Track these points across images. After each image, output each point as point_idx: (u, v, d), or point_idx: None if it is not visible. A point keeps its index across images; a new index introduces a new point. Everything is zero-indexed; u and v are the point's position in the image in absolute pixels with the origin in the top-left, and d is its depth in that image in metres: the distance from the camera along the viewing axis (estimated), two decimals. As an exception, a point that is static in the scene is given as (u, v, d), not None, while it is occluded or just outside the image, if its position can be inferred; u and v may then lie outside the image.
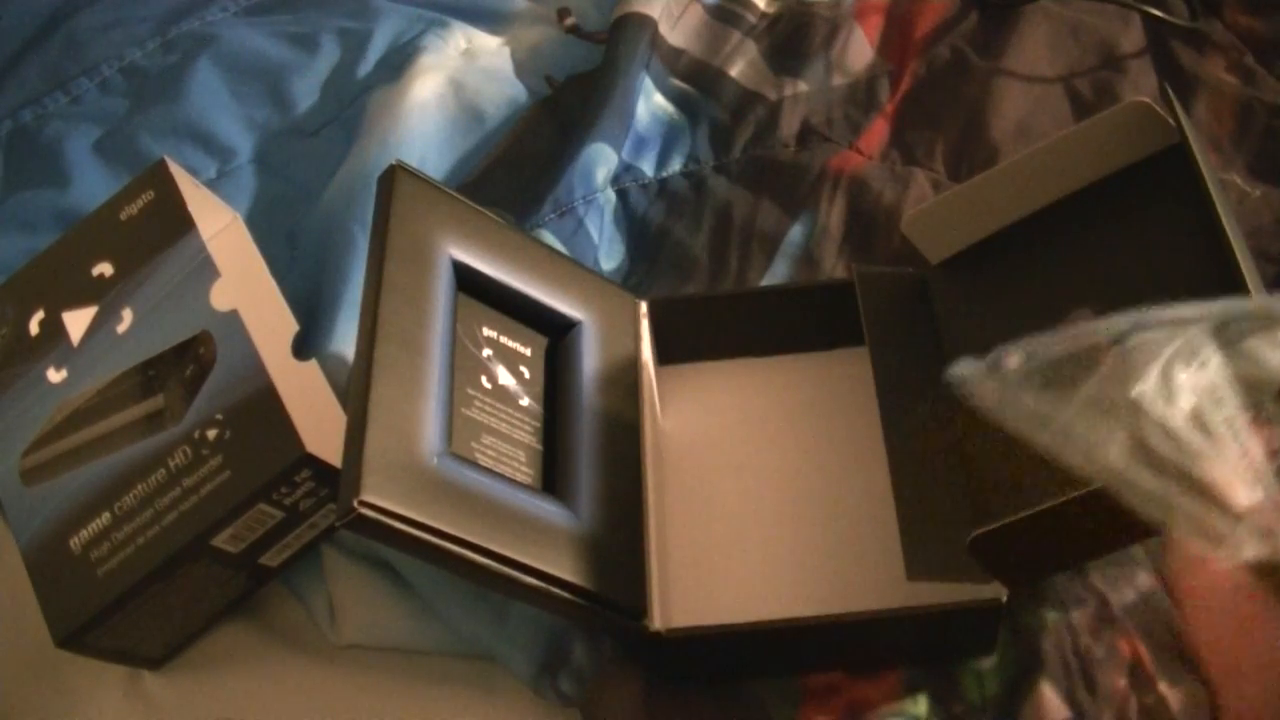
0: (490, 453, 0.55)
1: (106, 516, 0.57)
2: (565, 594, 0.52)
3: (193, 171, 0.73)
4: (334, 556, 0.61)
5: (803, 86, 0.79)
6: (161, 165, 0.66)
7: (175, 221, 0.64)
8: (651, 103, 0.79)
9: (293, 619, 0.62)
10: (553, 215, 0.71)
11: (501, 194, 0.74)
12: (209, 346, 0.59)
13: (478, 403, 0.56)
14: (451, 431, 0.53)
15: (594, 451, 0.57)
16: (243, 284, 0.62)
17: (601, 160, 0.74)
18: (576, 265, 0.64)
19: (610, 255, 0.72)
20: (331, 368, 0.65)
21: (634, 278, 0.71)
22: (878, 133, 0.77)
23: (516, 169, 0.76)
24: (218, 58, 0.83)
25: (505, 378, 0.58)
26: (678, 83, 0.81)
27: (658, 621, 0.54)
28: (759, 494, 0.61)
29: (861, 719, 0.54)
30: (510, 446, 0.56)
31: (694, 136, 0.78)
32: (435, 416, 0.52)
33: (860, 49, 0.81)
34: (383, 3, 0.87)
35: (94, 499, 0.57)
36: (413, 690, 0.59)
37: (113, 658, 0.59)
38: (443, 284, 0.56)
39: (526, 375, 0.59)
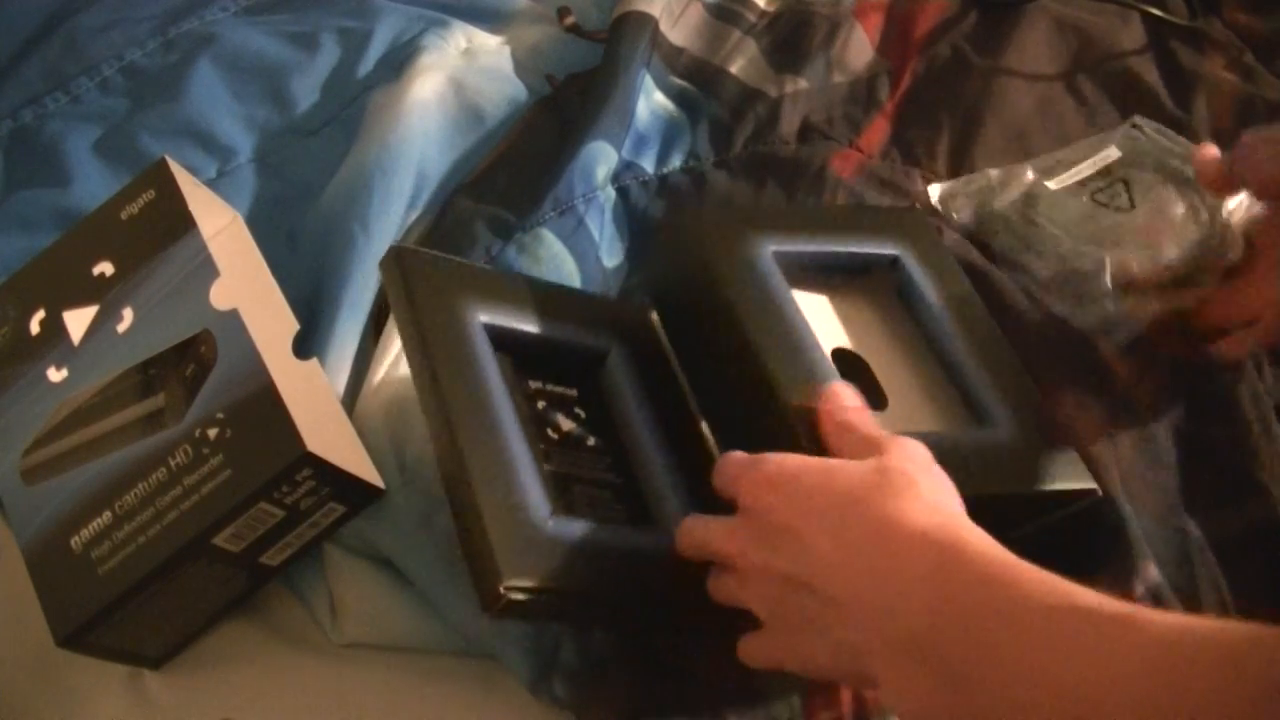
0: (584, 501, 0.56)
1: (107, 515, 0.57)
2: (695, 620, 0.54)
3: (193, 171, 0.73)
4: (335, 555, 0.61)
5: (803, 84, 0.79)
6: (162, 165, 0.66)
7: (176, 221, 0.64)
8: (652, 100, 0.79)
9: (293, 618, 0.62)
10: (553, 213, 0.71)
11: (502, 193, 0.74)
12: (209, 346, 0.59)
13: (553, 456, 0.57)
14: (549, 492, 0.54)
15: (671, 470, 0.58)
16: (243, 283, 0.62)
17: (602, 158, 0.74)
18: (589, 295, 0.65)
19: (611, 253, 0.72)
20: (331, 368, 0.65)
21: (635, 275, 0.71)
22: (878, 131, 0.77)
23: (517, 168, 0.76)
24: (218, 57, 0.83)
25: (566, 424, 0.59)
26: (678, 80, 0.81)
27: None
28: None
29: (868, 714, 0.54)
30: (596, 489, 0.57)
31: (694, 134, 0.78)
32: (532, 481, 0.53)
33: (860, 47, 0.81)
34: (383, 2, 0.87)
35: (95, 498, 0.57)
36: (414, 689, 0.59)
37: (113, 657, 0.59)
38: (484, 350, 0.58)
39: (582, 415, 0.60)
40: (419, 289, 0.58)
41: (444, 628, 0.59)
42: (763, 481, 0.49)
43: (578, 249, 0.70)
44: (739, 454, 0.51)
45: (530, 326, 0.61)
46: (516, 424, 0.55)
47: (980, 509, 0.47)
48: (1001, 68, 0.79)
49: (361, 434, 0.62)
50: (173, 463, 0.57)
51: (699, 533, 0.51)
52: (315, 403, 0.61)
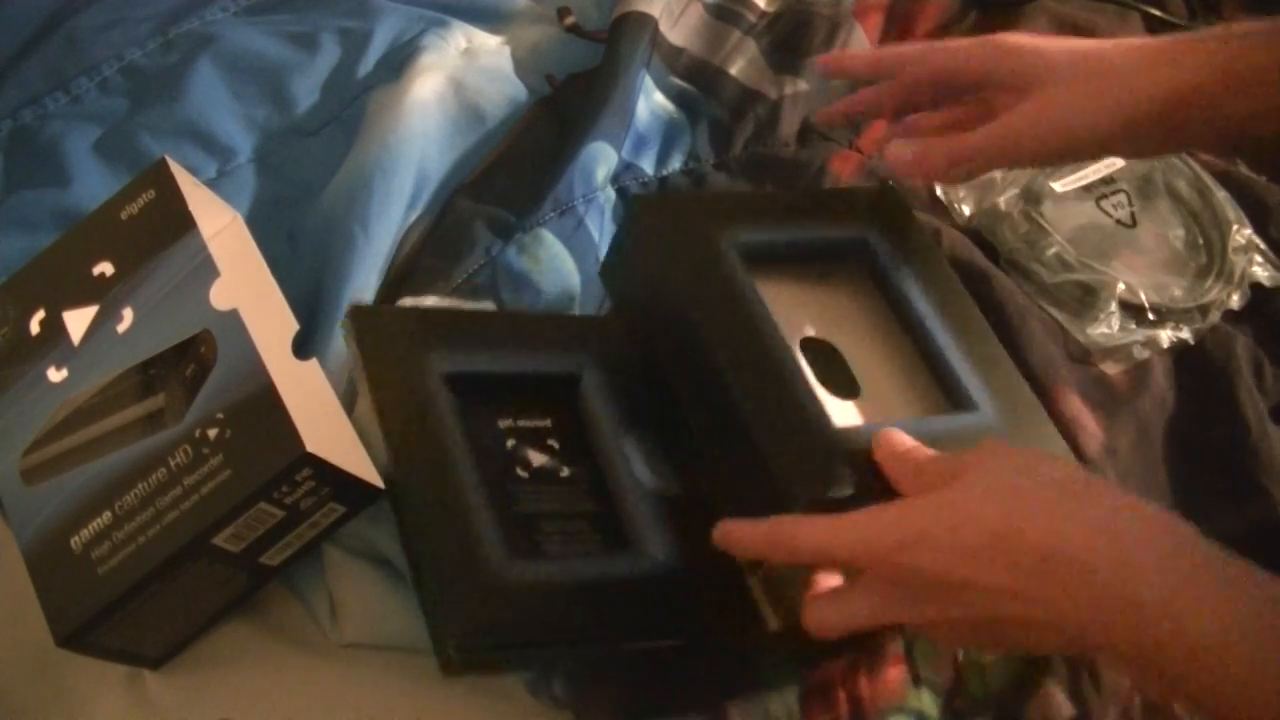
0: (556, 537, 0.56)
1: (107, 515, 0.57)
2: (682, 640, 0.53)
3: (193, 171, 0.73)
4: (335, 555, 0.61)
5: (803, 85, 0.79)
6: (162, 165, 0.66)
7: (176, 221, 0.64)
8: (652, 101, 0.79)
9: (293, 618, 0.62)
10: (553, 214, 0.71)
11: (502, 193, 0.74)
12: (209, 346, 0.59)
13: (523, 495, 0.57)
14: (511, 536, 0.54)
15: (642, 491, 0.58)
16: (243, 283, 0.62)
17: (602, 159, 0.74)
18: (558, 317, 0.65)
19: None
20: (331, 368, 0.65)
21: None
22: (877, 132, 0.77)
23: (517, 168, 0.76)
24: (218, 58, 0.83)
25: (537, 459, 0.59)
26: (678, 81, 0.81)
27: (772, 623, 0.55)
28: None
29: (866, 714, 0.54)
30: (569, 521, 0.57)
31: (694, 135, 0.78)
32: (491, 533, 0.53)
33: (861, 47, 0.81)
34: (383, 2, 0.87)
35: (95, 498, 0.57)
36: (414, 689, 0.59)
37: (113, 657, 0.59)
38: (442, 405, 0.57)
39: (556, 446, 0.60)
40: (373, 349, 0.58)
41: (444, 628, 0.59)
42: (892, 546, 0.45)
43: (577, 249, 0.70)
44: (820, 522, 0.47)
45: (495, 365, 0.60)
46: (475, 473, 0.55)
47: None
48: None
49: (361, 434, 0.62)
50: (173, 463, 0.57)
51: (835, 615, 0.48)
52: (315, 403, 0.61)
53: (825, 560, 0.49)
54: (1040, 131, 0.54)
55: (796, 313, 0.61)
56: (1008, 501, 0.43)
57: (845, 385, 0.58)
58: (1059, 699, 0.54)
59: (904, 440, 0.51)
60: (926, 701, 0.54)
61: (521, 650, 0.51)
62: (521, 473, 0.58)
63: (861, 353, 0.60)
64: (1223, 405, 0.64)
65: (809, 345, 0.60)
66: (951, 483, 0.46)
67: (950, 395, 0.58)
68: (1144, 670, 0.41)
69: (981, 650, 0.52)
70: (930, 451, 0.50)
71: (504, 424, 0.59)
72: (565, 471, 0.59)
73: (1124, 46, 0.53)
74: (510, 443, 0.59)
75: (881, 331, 0.62)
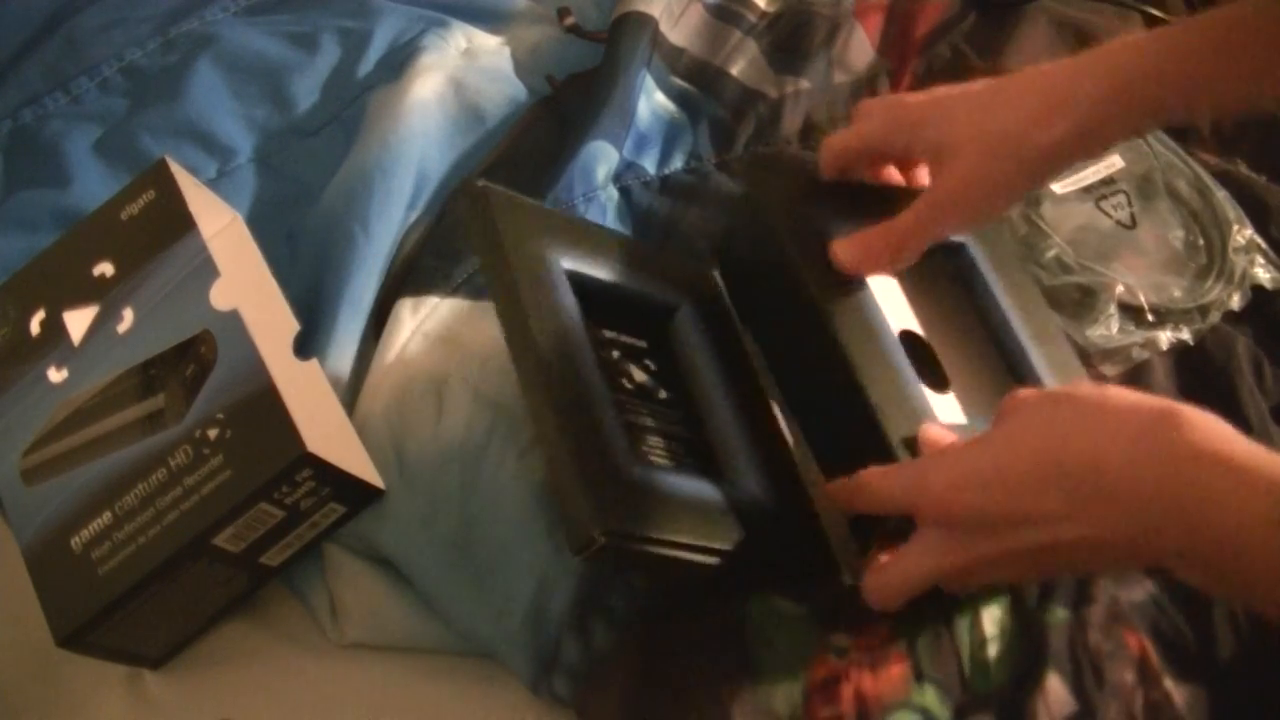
0: (657, 452, 0.56)
1: (107, 516, 0.57)
2: (769, 571, 0.54)
3: (193, 171, 0.73)
4: (336, 555, 0.61)
5: (804, 84, 0.79)
6: (162, 165, 0.66)
7: (176, 221, 0.64)
8: (653, 101, 0.79)
9: (293, 618, 0.62)
10: (553, 214, 0.71)
11: (502, 193, 0.74)
12: (210, 346, 0.59)
13: (626, 405, 0.57)
14: (629, 441, 0.54)
15: (738, 427, 0.58)
16: (243, 283, 0.62)
17: (602, 158, 0.74)
18: (658, 250, 0.65)
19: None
20: (331, 368, 0.65)
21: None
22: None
23: (517, 168, 0.76)
24: (218, 58, 0.83)
25: (638, 375, 0.59)
26: (679, 81, 0.81)
27: (848, 577, 0.56)
28: None
29: (869, 710, 0.54)
30: (668, 441, 0.57)
31: (696, 134, 0.78)
32: (617, 431, 0.53)
33: (861, 47, 0.82)
34: (383, 2, 0.87)
35: (95, 498, 0.57)
36: (414, 689, 0.59)
37: (113, 657, 0.59)
38: (568, 297, 0.57)
39: (652, 367, 0.60)
40: (506, 229, 0.57)
41: (443, 628, 0.59)
42: (946, 495, 0.48)
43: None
44: (879, 471, 0.51)
45: (606, 275, 0.60)
46: (597, 371, 0.55)
47: None
48: (1002, 69, 0.79)
49: (361, 434, 0.62)
50: (173, 463, 0.57)
51: (896, 574, 0.51)
52: (315, 403, 0.61)
53: (890, 506, 0.51)
54: (958, 204, 0.57)
55: (899, 306, 0.63)
56: (1044, 431, 0.46)
57: (936, 380, 0.60)
58: (1061, 695, 0.54)
59: (945, 435, 0.53)
60: (930, 697, 0.54)
61: (649, 546, 0.51)
62: (627, 384, 0.58)
63: (950, 349, 0.61)
64: (1224, 406, 0.64)
65: (905, 338, 0.61)
66: (992, 431, 0.49)
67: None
68: (1204, 569, 0.43)
69: (1037, 579, 0.53)
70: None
71: (608, 334, 0.59)
72: (662, 394, 0.59)
73: (1019, 92, 0.56)
74: (615, 353, 0.59)
75: (968, 328, 0.63)
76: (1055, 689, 0.54)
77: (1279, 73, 0.52)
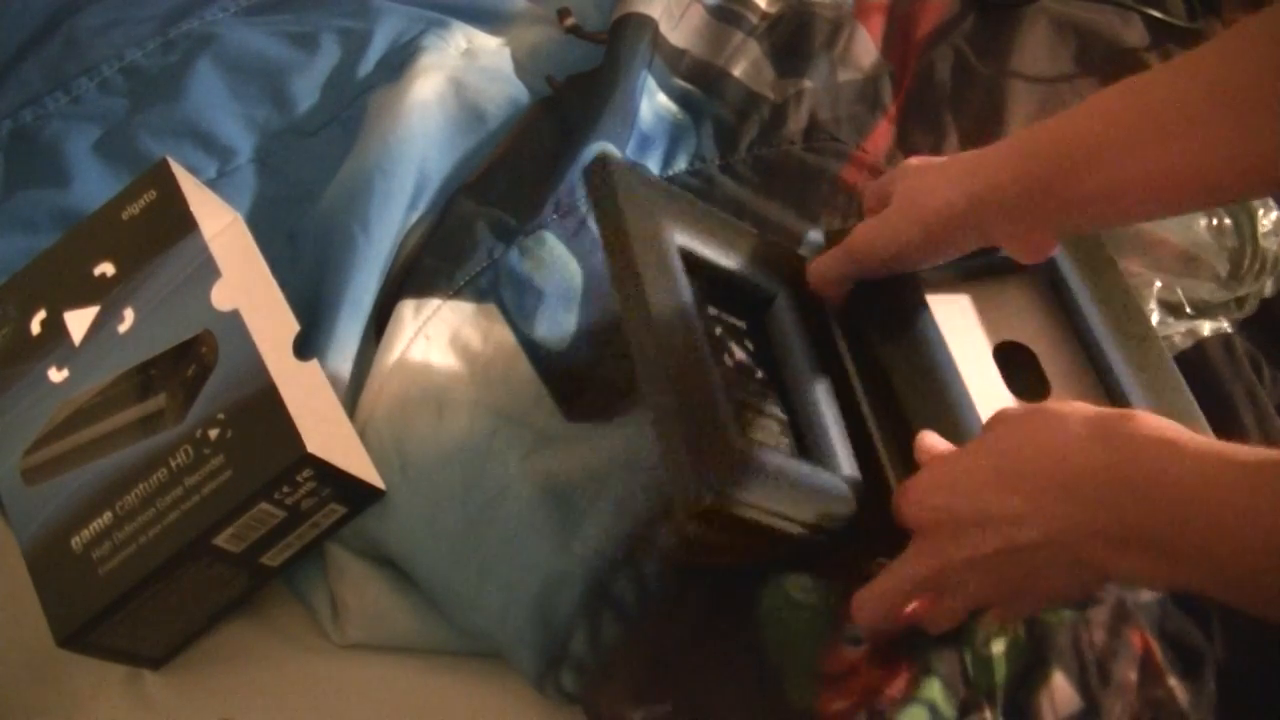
0: (756, 429, 0.57)
1: (108, 516, 0.57)
2: (850, 552, 0.55)
3: (193, 171, 0.73)
4: (337, 555, 0.61)
5: (807, 84, 0.79)
6: (163, 165, 0.66)
7: (177, 221, 0.64)
8: (655, 102, 0.79)
9: (294, 618, 0.62)
10: (555, 215, 0.71)
11: (503, 194, 0.74)
12: (210, 346, 0.59)
13: (732, 381, 0.58)
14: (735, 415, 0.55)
15: (831, 415, 0.60)
16: (244, 284, 0.62)
17: (603, 159, 0.74)
18: (760, 236, 0.66)
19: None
20: (331, 368, 0.65)
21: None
22: (882, 134, 0.77)
23: (518, 169, 0.76)
24: (218, 58, 0.83)
25: (739, 353, 0.60)
26: (681, 82, 0.81)
27: None
28: None
29: (878, 705, 0.54)
30: (766, 420, 0.58)
31: (699, 135, 0.78)
32: (724, 402, 0.54)
33: (865, 46, 0.82)
34: (383, 3, 0.87)
35: (95, 498, 0.57)
36: (415, 689, 0.59)
37: (113, 657, 0.59)
38: (680, 271, 0.59)
39: (751, 348, 0.61)
40: (627, 202, 0.59)
41: (446, 628, 0.59)
42: (919, 499, 0.51)
43: (580, 250, 0.70)
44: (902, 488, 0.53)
45: (714, 255, 0.62)
46: (707, 344, 0.57)
47: None
48: (1004, 69, 0.79)
49: (361, 434, 0.62)
50: (173, 463, 0.57)
51: (883, 591, 0.53)
52: (315, 403, 0.61)
53: (901, 515, 0.53)
54: (863, 245, 0.60)
55: (991, 317, 0.64)
56: (1011, 439, 0.48)
57: (1036, 387, 0.62)
58: (1066, 692, 0.54)
59: (938, 444, 0.55)
60: (937, 693, 0.54)
61: (757, 513, 0.52)
62: (729, 362, 0.59)
63: (1052, 356, 0.63)
64: (1222, 407, 0.64)
65: (1005, 348, 0.63)
66: (971, 442, 0.51)
67: (1116, 404, 0.60)
68: (1160, 555, 0.44)
69: (1013, 614, 0.54)
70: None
71: (713, 311, 0.61)
72: (760, 374, 0.61)
73: (957, 164, 0.58)
74: (718, 330, 0.60)
75: (1068, 337, 0.64)
76: (1060, 686, 0.54)
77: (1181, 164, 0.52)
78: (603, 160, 0.60)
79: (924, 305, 0.63)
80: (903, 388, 0.60)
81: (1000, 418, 0.51)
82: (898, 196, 0.60)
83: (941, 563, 0.50)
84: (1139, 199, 0.53)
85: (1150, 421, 0.45)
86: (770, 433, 0.58)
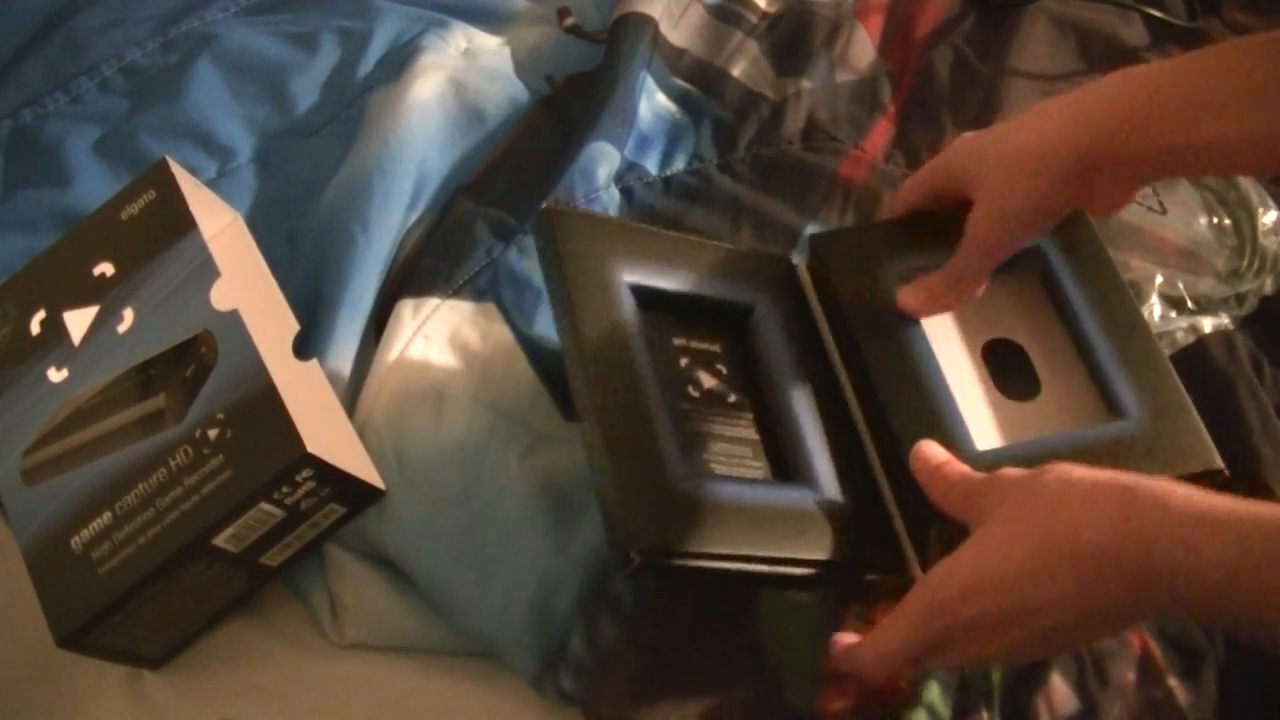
0: (721, 459, 0.57)
1: (107, 516, 0.57)
2: (837, 573, 0.54)
3: (193, 171, 0.73)
4: (336, 555, 0.61)
5: (806, 84, 0.79)
6: (163, 165, 0.66)
7: (176, 221, 0.64)
8: (654, 101, 0.79)
9: (294, 619, 0.62)
10: (554, 215, 0.71)
11: (503, 194, 0.74)
12: (210, 346, 0.59)
13: (693, 414, 0.58)
14: (684, 453, 0.55)
15: (813, 427, 0.59)
16: (243, 284, 0.62)
17: (603, 158, 0.74)
18: (734, 250, 0.66)
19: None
20: (331, 368, 0.65)
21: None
22: (881, 133, 0.77)
23: (517, 169, 0.76)
24: (218, 58, 0.83)
25: (708, 381, 0.60)
26: (680, 82, 0.81)
27: (917, 573, 0.56)
28: None
29: (878, 705, 0.54)
30: (735, 446, 0.58)
31: (698, 135, 0.78)
32: (669, 444, 0.54)
33: (863, 47, 0.82)
34: (383, 3, 0.87)
35: (95, 498, 0.57)
36: (414, 689, 0.59)
37: (113, 657, 0.59)
38: (629, 312, 0.58)
39: (724, 372, 0.61)
40: (567, 250, 0.59)
41: (445, 628, 0.59)
42: (959, 601, 0.48)
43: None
44: (890, 618, 0.51)
45: (675, 284, 0.61)
46: (657, 386, 0.56)
47: None
48: (1004, 69, 0.79)
49: (361, 434, 0.62)
50: (173, 463, 0.57)
51: (885, 655, 0.51)
52: (315, 403, 0.61)
53: (912, 644, 0.50)
54: (993, 235, 0.59)
55: (980, 315, 0.64)
56: (1037, 523, 0.46)
57: (1026, 385, 0.61)
58: (1064, 693, 0.54)
59: (936, 455, 0.54)
60: (935, 695, 0.55)
61: (695, 561, 0.51)
62: (693, 392, 0.59)
63: (1043, 352, 0.63)
64: (1223, 406, 0.64)
65: (995, 346, 0.63)
66: (983, 522, 0.49)
67: (1107, 399, 0.61)
68: (1191, 618, 0.46)
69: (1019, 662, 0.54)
70: (960, 468, 0.53)
71: (679, 342, 0.60)
72: (732, 398, 0.60)
73: (1037, 120, 0.58)
74: (684, 361, 0.60)
75: (1058, 332, 0.64)
76: (1058, 687, 0.54)
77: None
78: (547, 209, 0.60)
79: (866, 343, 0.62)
80: (885, 390, 0.60)
81: (1007, 496, 0.48)
82: (987, 169, 0.58)
83: (1006, 644, 0.48)
84: (1246, 159, 0.54)
85: (1161, 493, 0.44)
86: (738, 460, 0.57)
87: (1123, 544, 0.44)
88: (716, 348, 0.62)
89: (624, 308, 0.58)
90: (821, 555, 0.54)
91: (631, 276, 0.60)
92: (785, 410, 0.59)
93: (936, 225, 0.64)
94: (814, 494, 0.56)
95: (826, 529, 0.54)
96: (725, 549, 0.52)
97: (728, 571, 0.52)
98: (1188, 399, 0.60)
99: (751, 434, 0.59)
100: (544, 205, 0.61)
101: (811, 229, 0.71)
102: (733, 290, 0.63)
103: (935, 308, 0.62)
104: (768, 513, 0.54)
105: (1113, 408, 0.60)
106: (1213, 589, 0.42)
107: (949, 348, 0.62)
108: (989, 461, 0.56)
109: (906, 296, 0.62)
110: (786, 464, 0.58)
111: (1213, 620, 0.45)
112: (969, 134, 0.63)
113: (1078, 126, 0.56)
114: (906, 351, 0.61)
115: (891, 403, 0.59)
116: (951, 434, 0.58)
